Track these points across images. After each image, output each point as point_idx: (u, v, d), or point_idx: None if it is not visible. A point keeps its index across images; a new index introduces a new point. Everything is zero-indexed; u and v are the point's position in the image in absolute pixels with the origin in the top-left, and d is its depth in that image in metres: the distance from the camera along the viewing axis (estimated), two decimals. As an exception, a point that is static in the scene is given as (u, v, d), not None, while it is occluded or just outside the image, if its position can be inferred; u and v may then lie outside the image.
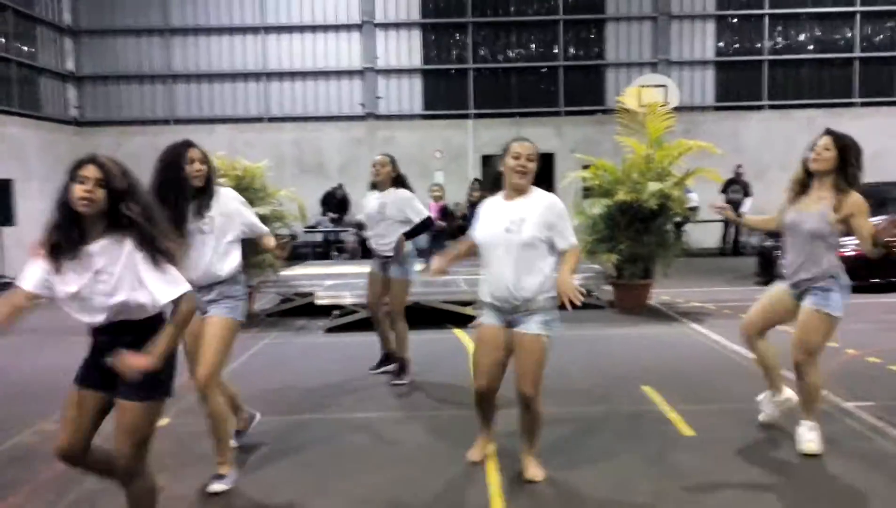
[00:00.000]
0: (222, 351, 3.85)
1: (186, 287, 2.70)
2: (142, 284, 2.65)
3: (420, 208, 5.86)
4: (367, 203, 5.99)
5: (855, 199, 3.94)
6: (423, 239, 12.97)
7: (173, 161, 3.76)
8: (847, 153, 3.97)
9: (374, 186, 5.95)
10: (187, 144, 3.85)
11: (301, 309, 9.24)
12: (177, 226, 3.54)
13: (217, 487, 3.77)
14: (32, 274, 2.71)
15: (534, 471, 3.76)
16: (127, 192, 2.66)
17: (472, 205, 11.50)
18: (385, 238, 5.81)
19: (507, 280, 3.51)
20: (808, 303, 4.06)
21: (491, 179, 3.79)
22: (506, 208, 3.58)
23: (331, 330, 8.30)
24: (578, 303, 3.40)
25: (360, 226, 6.34)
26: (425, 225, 5.89)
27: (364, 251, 6.34)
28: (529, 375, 3.56)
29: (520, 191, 3.60)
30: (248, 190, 9.13)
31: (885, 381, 5.65)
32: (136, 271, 2.64)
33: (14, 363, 6.65)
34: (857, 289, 10.79)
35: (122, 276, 2.64)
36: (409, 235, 5.83)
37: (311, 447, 4.44)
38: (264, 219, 9.02)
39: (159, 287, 2.64)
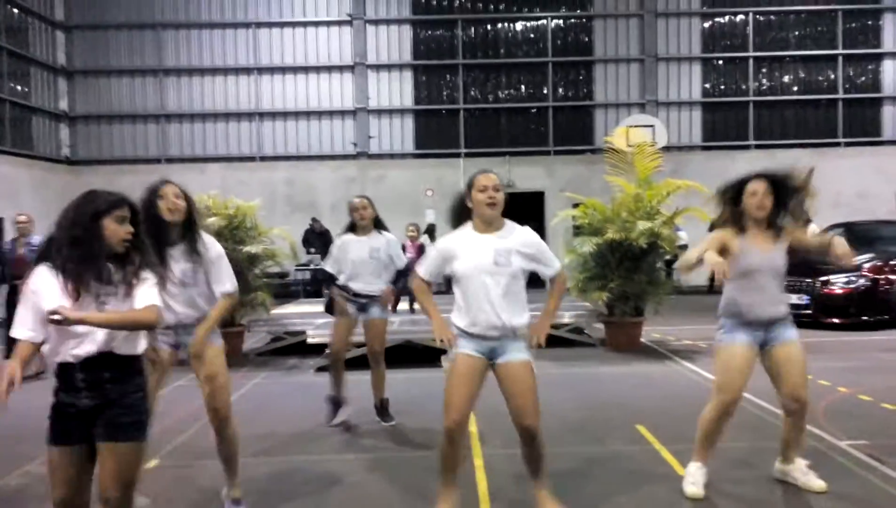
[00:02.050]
0: (228, 376, 3.94)
1: (159, 302, 2.80)
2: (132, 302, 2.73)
3: (402, 256, 5.86)
4: (349, 248, 5.67)
5: (790, 229, 3.95)
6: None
7: (149, 199, 3.72)
8: (786, 192, 3.89)
9: (352, 228, 5.76)
10: (162, 182, 3.81)
11: (292, 348, 9.18)
12: (160, 266, 3.52)
13: None
14: (24, 321, 2.73)
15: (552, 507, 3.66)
16: (142, 237, 2.84)
17: (459, 221, 11.38)
18: (373, 283, 5.68)
19: (497, 310, 3.44)
20: (790, 336, 3.98)
21: (457, 214, 3.67)
22: (486, 242, 3.49)
23: (322, 369, 8.24)
24: (542, 345, 3.54)
25: (330, 278, 5.85)
26: (407, 271, 5.85)
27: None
28: (530, 405, 3.48)
29: (491, 223, 3.53)
30: (240, 229, 9.17)
31: (878, 419, 5.64)
32: (130, 300, 2.72)
33: None
34: (847, 327, 10.97)
35: (122, 302, 2.71)
36: (396, 283, 5.85)
37: (300, 489, 4.37)
38: (255, 258, 9.09)
39: (142, 299, 2.74)
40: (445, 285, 3.86)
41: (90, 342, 2.70)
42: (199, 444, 5.28)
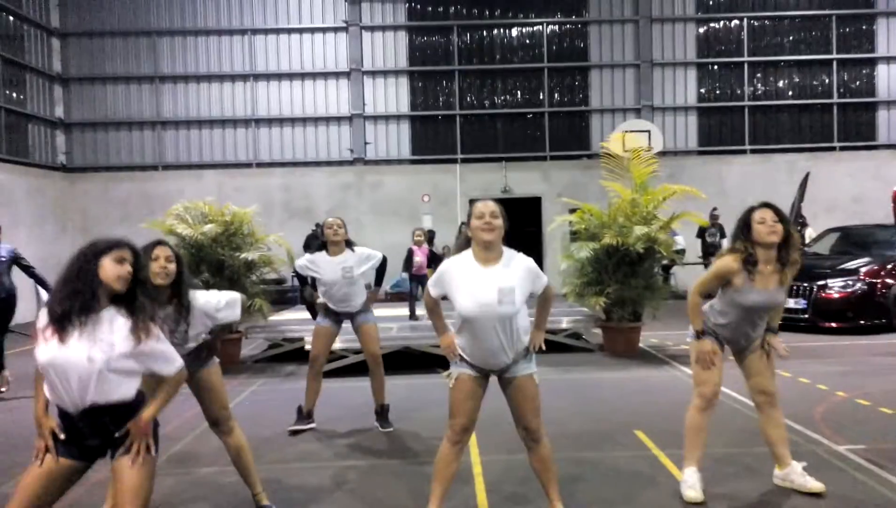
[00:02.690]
0: (223, 389, 4.03)
1: (180, 361, 2.95)
2: (136, 362, 2.80)
3: (375, 253, 5.90)
4: (321, 268, 5.73)
5: (793, 268, 4.03)
6: (406, 284, 12.93)
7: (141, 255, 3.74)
8: (788, 223, 3.98)
9: (322, 247, 5.80)
10: (156, 242, 3.76)
11: (290, 354, 9.16)
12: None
13: None
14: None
15: None
16: (145, 281, 2.95)
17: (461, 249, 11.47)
18: (352, 299, 5.77)
19: (501, 347, 3.48)
20: (759, 346, 4.17)
21: (461, 242, 3.69)
22: (488, 276, 3.46)
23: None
24: (543, 349, 3.67)
25: (304, 282, 6.01)
26: (384, 264, 5.94)
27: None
28: (533, 410, 3.59)
29: (490, 250, 3.51)
30: (237, 235, 9.15)
31: (876, 423, 5.65)
32: (133, 348, 2.77)
33: (-4, 413, 6.53)
34: (844, 331, 10.99)
35: (120, 352, 2.74)
36: (379, 281, 5.98)
37: (297, 496, 4.36)
38: (252, 264, 9.07)
39: (159, 362, 2.87)
40: None
41: (84, 396, 2.72)
42: (198, 451, 5.27)
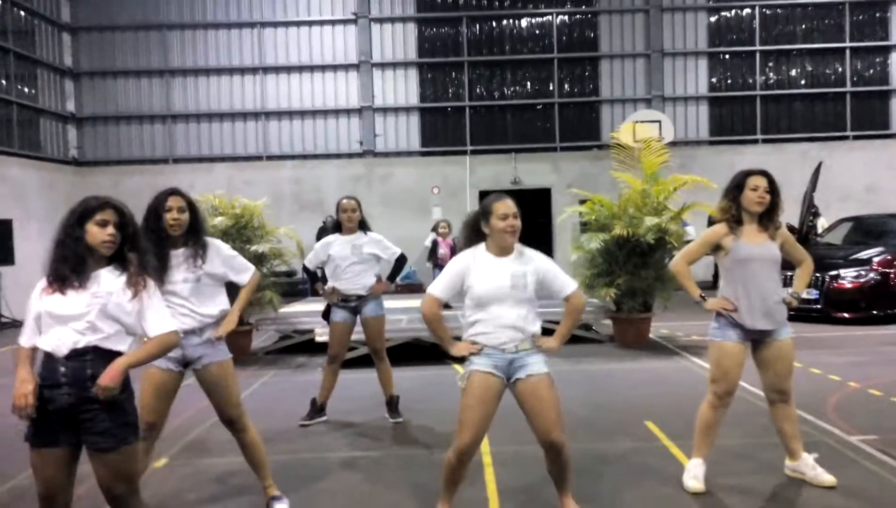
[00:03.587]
0: (239, 386, 4.03)
1: (173, 325, 2.93)
2: (132, 315, 2.82)
3: (393, 246, 5.90)
4: (332, 246, 5.76)
5: (784, 230, 4.11)
6: (415, 276, 12.88)
7: (154, 209, 3.77)
8: (777, 195, 4.03)
9: (337, 228, 5.84)
10: (169, 192, 3.83)
11: (300, 346, 9.20)
12: (160, 271, 3.55)
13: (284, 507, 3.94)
14: (25, 330, 2.88)
15: None
16: (135, 236, 2.90)
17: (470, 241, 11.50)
18: (359, 279, 5.73)
19: (514, 325, 3.43)
20: (785, 335, 4.05)
21: (470, 233, 3.61)
22: (504, 266, 3.47)
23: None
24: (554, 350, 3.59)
25: (314, 277, 6.03)
26: (403, 261, 5.93)
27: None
28: (555, 419, 3.43)
29: (508, 249, 3.52)
30: (247, 228, 9.18)
31: (888, 413, 5.61)
32: (129, 301, 2.81)
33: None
34: (857, 321, 10.91)
35: (117, 301, 2.79)
36: (394, 276, 5.96)
37: (309, 487, 4.38)
38: (262, 257, 9.10)
39: (150, 320, 2.85)
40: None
41: (76, 333, 2.74)
42: (207, 442, 5.31)
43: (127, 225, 2.86)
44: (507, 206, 3.48)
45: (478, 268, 3.49)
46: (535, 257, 3.57)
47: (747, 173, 4.04)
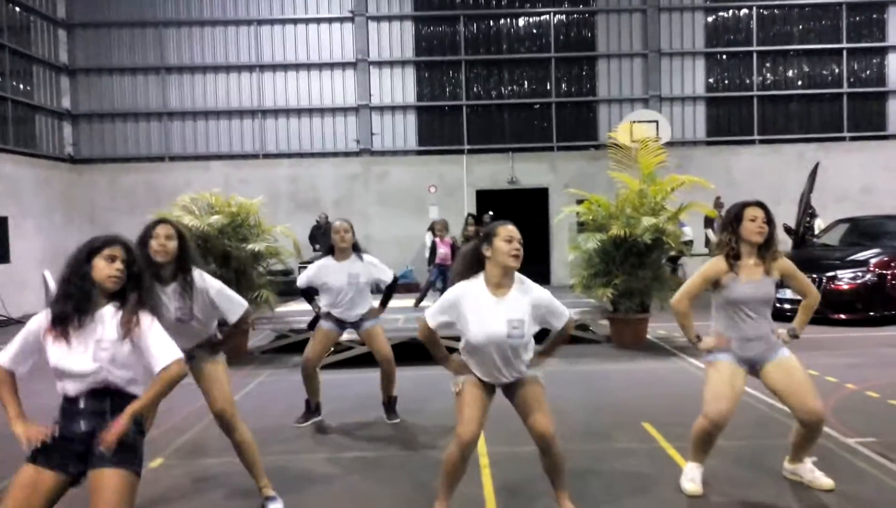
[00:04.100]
0: (229, 384, 3.99)
1: (177, 353, 2.83)
2: (139, 350, 2.77)
3: (387, 270, 5.81)
4: (327, 275, 5.60)
5: (784, 260, 4.05)
6: (412, 275, 12.81)
7: (142, 238, 3.72)
8: (774, 225, 4.00)
9: (329, 252, 5.68)
10: (158, 221, 3.79)
11: (296, 345, 9.15)
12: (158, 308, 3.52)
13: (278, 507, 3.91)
14: (8, 349, 2.85)
15: None
16: (140, 275, 2.86)
17: (467, 239, 11.56)
18: (356, 309, 5.67)
19: (504, 371, 3.52)
20: (785, 354, 4.00)
21: (471, 261, 3.56)
22: (500, 307, 3.43)
23: (327, 366, 8.22)
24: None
25: (310, 297, 5.87)
26: (394, 287, 5.87)
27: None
28: (545, 415, 3.52)
29: (507, 276, 3.47)
30: (243, 226, 9.14)
31: (886, 416, 5.61)
32: (133, 337, 2.76)
33: None
34: (853, 323, 10.91)
35: (122, 349, 2.76)
36: (385, 302, 5.88)
37: (305, 488, 4.36)
38: (259, 255, 9.06)
39: (153, 355, 2.78)
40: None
41: (93, 382, 2.75)
42: (202, 443, 5.27)
43: (133, 263, 2.84)
44: (511, 230, 3.48)
45: (473, 310, 3.45)
46: (533, 292, 3.52)
47: (744, 205, 4.00)
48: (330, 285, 5.61)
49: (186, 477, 4.57)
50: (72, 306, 2.75)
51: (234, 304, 3.89)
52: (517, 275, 3.53)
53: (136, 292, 2.83)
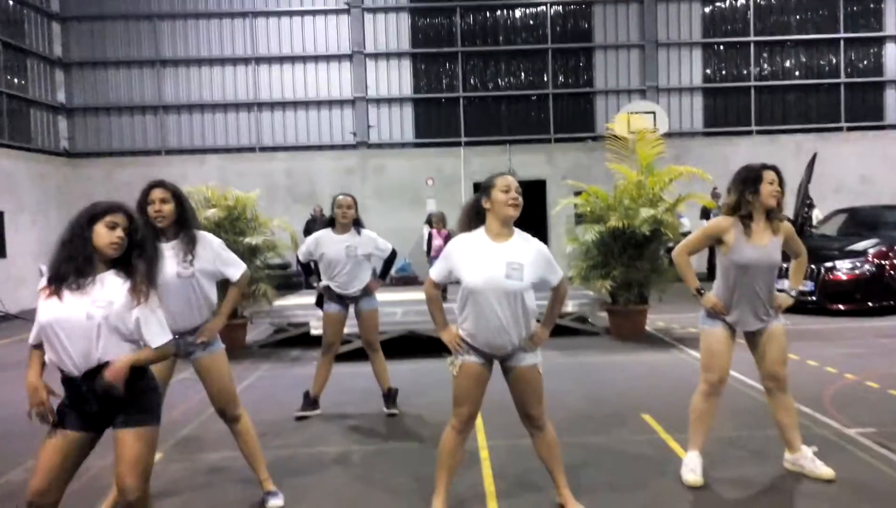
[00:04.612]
0: (232, 378, 3.99)
1: (170, 335, 2.89)
2: (133, 323, 2.78)
3: (386, 243, 5.84)
4: (325, 246, 5.65)
5: (786, 223, 4.10)
6: (411, 268, 12.75)
7: (140, 204, 3.72)
8: (783, 186, 4.04)
9: (329, 224, 5.73)
10: (152, 185, 3.79)
11: (295, 339, 9.15)
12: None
13: (278, 503, 3.89)
14: (35, 328, 2.87)
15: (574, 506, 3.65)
16: (143, 242, 2.88)
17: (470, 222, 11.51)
18: (354, 282, 5.68)
19: (507, 327, 3.39)
20: (778, 322, 4.09)
21: (471, 214, 3.55)
22: (498, 251, 3.40)
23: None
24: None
25: (309, 270, 5.94)
26: (393, 257, 5.90)
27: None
28: (535, 399, 3.53)
29: (506, 227, 3.46)
30: (240, 220, 9.11)
31: (885, 406, 5.61)
32: (130, 309, 2.78)
33: None
34: (852, 313, 10.92)
35: (118, 310, 2.76)
36: (385, 274, 5.95)
37: (304, 481, 4.35)
38: (256, 249, 9.03)
39: (151, 330, 2.81)
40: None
41: (87, 356, 2.74)
42: (203, 437, 5.26)
43: (136, 230, 2.86)
44: (510, 180, 3.47)
45: (472, 254, 3.43)
46: (534, 244, 3.52)
47: (762, 167, 4.00)
48: (328, 257, 5.64)
49: (187, 472, 4.55)
50: (72, 267, 2.76)
51: (236, 261, 3.94)
52: (516, 229, 3.52)
53: (142, 261, 2.84)
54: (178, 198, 3.78)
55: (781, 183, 4.01)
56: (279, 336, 9.36)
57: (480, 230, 3.51)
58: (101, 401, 2.75)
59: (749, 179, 3.99)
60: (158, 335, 2.83)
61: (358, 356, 7.87)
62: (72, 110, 17.67)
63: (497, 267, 3.36)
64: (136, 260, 2.84)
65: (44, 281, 2.82)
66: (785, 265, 4.35)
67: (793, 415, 4.17)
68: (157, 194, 3.73)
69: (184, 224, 3.77)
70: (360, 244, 5.66)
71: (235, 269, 3.93)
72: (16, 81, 16.03)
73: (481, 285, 3.36)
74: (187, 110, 17.83)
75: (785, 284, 4.31)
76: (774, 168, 4.02)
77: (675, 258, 4.16)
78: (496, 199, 3.42)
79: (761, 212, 3.98)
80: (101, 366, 2.73)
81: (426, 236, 10.44)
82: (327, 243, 5.67)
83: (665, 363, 7.56)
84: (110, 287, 2.79)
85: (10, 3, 15.93)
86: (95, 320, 2.72)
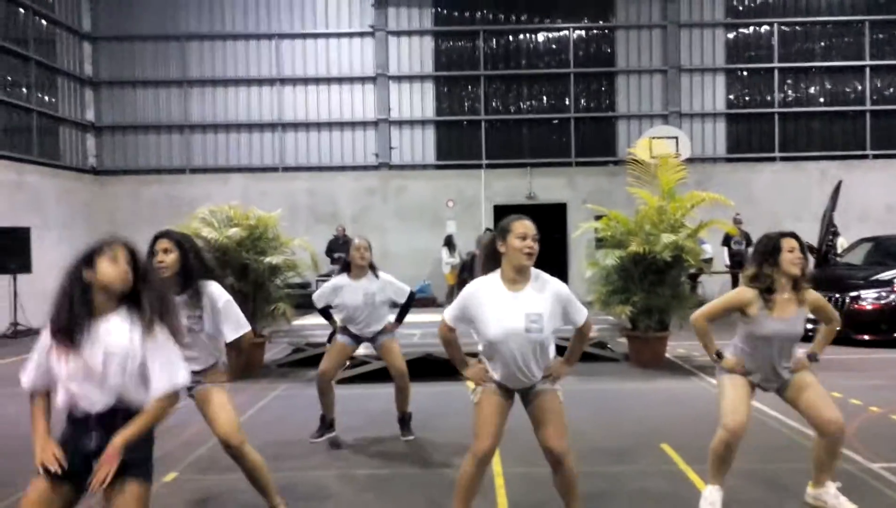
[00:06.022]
0: (233, 409, 3.89)
1: (183, 377, 2.74)
2: (145, 366, 2.67)
3: (403, 287, 5.79)
4: (343, 293, 5.61)
5: (813, 293, 3.98)
6: (429, 289, 12.67)
7: (149, 252, 3.67)
8: (806, 253, 3.94)
9: (345, 269, 5.70)
10: (158, 235, 3.75)
11: (313, 359, 9.13)
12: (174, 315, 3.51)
13: None
14: (28, 370, 2.76)
15: None
16: (146, 272, 2.77)
17: (486, 266, 11.47)
18: (373, 324, 5.67)
19: (525, 370, 3.42)
20: (805, 374, 3.98)
21: (489, 256, 3.52)
22: (517, 301, 3.38)
23: (342, 381, 8.19)
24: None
25: (327, 315, 5.89)
26: (410, 302, 5.84)
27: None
28: (559, 430, 3.47)
29: (523, 273, 3.43)
30: (262, 239, 9.17)
31: (911, 440, 5.47)
32: (144, 351, 2.67)
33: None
34: (876, 344, 10.72)
35: (134, 350, 2.66)
36: (401, 318, 5.88)
37: (318, 504, 4.32)
38: (276, 268, 9.08)
39: (158, 376, 2.67)
40: None
41: (102, 403, 2.66)
42: (216, 457, 5.24)
43: (137, 261, 2.73)
44: (527, 226, 3.41)
45: (490, 305, 3.40)
46: (553, 286, 3.46)
47: (780, 235, 3.92)
48: (346, 304, 5.62)
49: (200, 492, 4.55)
50: (73, 317, 2.64)
51: (237, 322, 3.78)
52: (533, 270, 3.48)
53: (149, 292, 2.72)
54: (182, 247, 3.73)
55: (803, 248, 3.91)
56: (297, 356, 9.37)
57: (496, 276, 3.48)
58: (103, 435, 2.64)
59: (767, 250, 3.90)
60: (164, 379, 2.68)
61: (374, 377, 7.86)
62: (100, 129, 17.99)
63: (516, 319, 3.35)
64: (144, 292, 2.71)
65: (47, 334, 2.70)
66: (811, 326, 4.21)
67: (837, 460, 4.02)
68: (161, 244, 3.70)
69: (187, 275, 3.69)
70: (378, 291, 5.63)
71: (234, 330, 3.76)
72: (46, 98, 16.37)
73: (502, 338, 3.37)
74: (212, 130, 18.08)
75: (804, 351, 4.12)
76: (793, 235, 3.92)
77: (694, 324, 4.07)
78: (511, 245, 3.39)
79: (784, 282, 3.88)
80: (117, 410, 2.66)
81: (445, 259, 10.41)
82: (344, 291, 5.63)
83: (685, 392, 7.46)
84: (120, 332, 2.67)
85: (44, 23, 16.32)
86: (111, 369, 2.63)
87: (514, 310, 3.36)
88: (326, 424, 5.80)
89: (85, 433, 2.67)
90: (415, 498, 4.41)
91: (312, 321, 10.31)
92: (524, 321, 3.34)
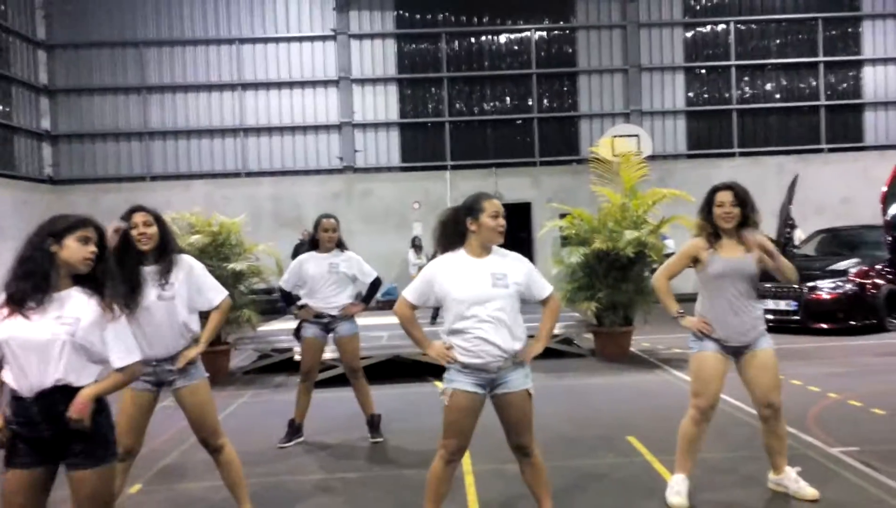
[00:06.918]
0: (215, 407, 3.94)
1: (137, 357, 2.79)
2: (100, 342, 2.69)
3: (370, 269, 5.85)
4: (308, 264, 5.69)
5: (760, 236, 4.08)
6: (396, 292, 12.60)
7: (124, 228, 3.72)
8: (747, 206, 4.04)
9: (313, 245, 5.78)
10: (133, 210, 3.80)
11: (279, 365, 9.08)
12: (131, 291, 3.50)
13: None
14: None
15: None
16: (108, 258, 2.81)
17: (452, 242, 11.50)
18: (334, 298, 5.67)
19: (499, 336, 3.37)
20: (765, 345, 4.06)
21: (451, 232, 3.54)
22: (480, 265, 3.44)
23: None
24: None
25: (289, 299, 5.92)
26: (377, 284, 5.89)
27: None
28: (526, 427, 3.49)
29: (489, 249, 3.50)
30: (225, 246, 9.06)
31: (869, 425, 5.63)
32: (99, 326, 2.68)
33: None
34: (834, 332, 10.98)
35: (86, 328, 2.66)
36: (368, 299, 5.93)
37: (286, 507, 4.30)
38: (241, 275, 8.98)
39: (116, 349, 2.71)
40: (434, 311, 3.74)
41: (44, 377, 2.62)
42: (183, 467, 5.19)
43: (104, 246, 2.79)
44: (497, 205, 3.49)
45: (456, 271, 3.44)
46: (515, 257, 3.55)
47: (714, 190, 4.08)
48: (311, 273, 5.66)
49: (167, 503, 4.49)
50: (31, 285, 2.63)
51: (216, 287, 3.93)
52: (496, 247, 3.54)
53: (108, 277, 2.75)
54: (160, 222, 3.80)
55: (742, 201, 4.00)
56: (263, 362, 9.28)
57: (461, 251, 3.51)
58: (54, 426, 2.62)
59: (703, 205, 4.11)
60: (124, 355, 2.72)
61: (341, 381, 7.82)
62: (56, 137, 17.63)
63: (482, 279, 3.41)
64: (102, 275, 2.74)
65: (1, 299, 2.68)
66: (768, 285, 4.36)
67: (782, 441, 4.14)
68: (140, 217, 3.74)
69: (165, 248, 3.77)
70: (342, 262, 5.69)
71: (216, 294, 3.90)
72: (0, 108, 15.99)
73: (469, 297, 3.38)
74: (173, 136, 17.83)
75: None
76: (729, 187, 4.05)
77: (655, 283, 4.21)
78: (485, 224, 3.43)
79: (727, 233, 4.03)
80: (57, 388, 2.62)
81: (412, 260, 10.41)
82: (310, 261, 5.71)
83: (650, 385, 7.56)
84: (76, 304, 2.68)
85: (-4, 30, 15.95)
86: (59, 338, 2.61)
87: (479, 271, 3.43)
88: (295, 429, 5.77)
89: (33, 425, 2.63)
90: (385, 501, 4.41)
91: (278, 327, 10.21)
92: (490, 278, 3.40)
